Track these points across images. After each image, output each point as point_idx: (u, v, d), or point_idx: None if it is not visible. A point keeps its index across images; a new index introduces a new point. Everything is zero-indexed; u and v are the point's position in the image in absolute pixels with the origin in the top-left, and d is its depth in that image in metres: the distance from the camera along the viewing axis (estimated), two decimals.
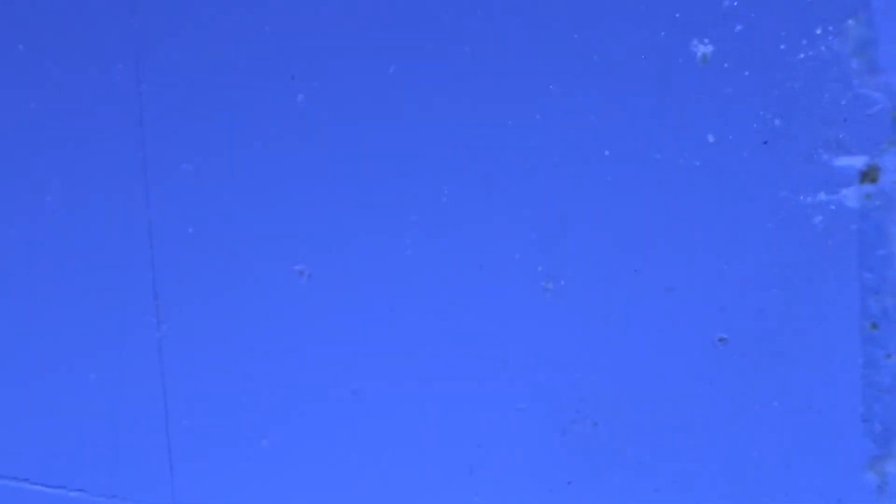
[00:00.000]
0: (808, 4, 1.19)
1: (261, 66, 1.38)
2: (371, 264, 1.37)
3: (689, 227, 1.26)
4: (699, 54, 1.23)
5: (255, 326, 1.42)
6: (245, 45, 1.39)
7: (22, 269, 1.50)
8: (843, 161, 1.20)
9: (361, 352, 1.39)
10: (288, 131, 1.38)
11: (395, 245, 1.36)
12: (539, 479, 1.35)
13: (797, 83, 1.20)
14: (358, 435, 1.41)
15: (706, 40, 1.23)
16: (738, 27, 1.21)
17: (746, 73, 1.22)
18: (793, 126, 1.21)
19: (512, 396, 1.34)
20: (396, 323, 1.37)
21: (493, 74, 1.30)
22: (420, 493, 1.40)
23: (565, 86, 1.28)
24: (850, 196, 1.20)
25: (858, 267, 1.21)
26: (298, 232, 1.39)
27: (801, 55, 1.20)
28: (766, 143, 1.22)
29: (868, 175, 1.19)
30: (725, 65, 1.22)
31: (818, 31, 1.19)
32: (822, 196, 1.21)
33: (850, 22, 1.18)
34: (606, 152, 1.27)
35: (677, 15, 1.23)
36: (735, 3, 1.21)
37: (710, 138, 1.24)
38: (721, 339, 1.27)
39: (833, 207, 1.21)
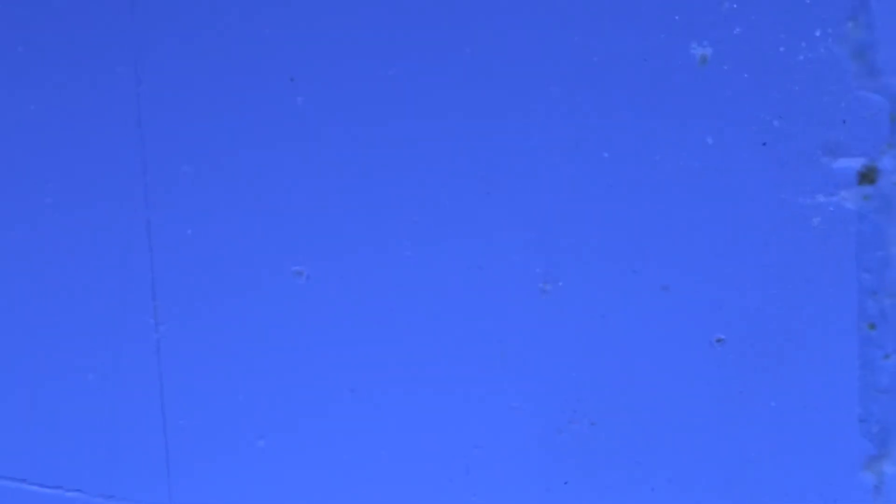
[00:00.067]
0: (808, 7, 1.19)
1: (260, 67, 1.38)
2: (369, 265, 1.37)
3: (688, 229, 1.26)
4: (698, 56, 1.23)
5: (253, 327, 1.42)
6: (244, 46, 1.39)
7: (21, 269, 1.50)
8: (841, 163, 1.20)
9: (359, 352, 1.39)
10: (287, 133, 1.38)
11: (394, 246, 1.36)
12: (536, 479, 1.35)
13: (796, 85, 1.20)
14: (355, 435, 1.41)
15: (705, 42, 1.23)
16: (738, 29, 1.22)
17: (745, 75, 1.22)
18: (792, 128, 1.21)
19: (509, 396, 1.35)
20: (395, 324, 1.37)
21: (492, 76, 1.30)
22: (417, 492, 1.40)
23: (565, 87, 1.28)
24: (849, 198, 1.21)
25: (857, 268, 1.21)
26: (296, 233, 1.39)
27: (801, 57, 1.20)
28: (764, 144, 1.22)
29: (866, 177, 1.20)
30: (724, 67, 1.22)
31: (817, 34, 1.19)
32: (821, 197, 1.21)
33: (850, 24, 1.18)
34: (605, 154, 1.28)
35: (676, 17, 1.23)
36: (734, 6, 1.21)
37: (709, 140, 1.24)
38: (719, 340, 1.27)
39: (831, 209, 1.21)
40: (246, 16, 1.38)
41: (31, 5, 1.46)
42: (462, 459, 1.37)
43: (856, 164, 1.20)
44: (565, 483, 1.34)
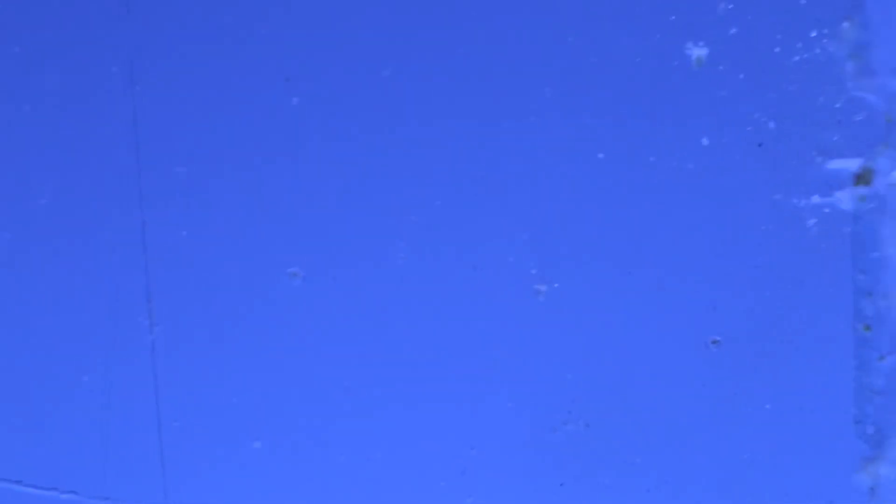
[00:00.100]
0: (803, 7, 1.19)
1: (255, 68, 1.38)
2: (364, 267, 1.37)
3: (683, 230, 1.26)
4: (694, 57, 1.23)
5: (248, 329, 1.42)
6: (239, 47, 1.38)
7: (15, 270, 1.50)
8: (837, 164, 1.20)
9: (354, 354, 1.39)
10: (282, 133, 1.38)
11: (389, 247, 1.36)
12: (531, 481, 1.35)
13: (792, 86, 1.21)
14: (351, 437, 1.41)
15: (701, 43, 1.23)
16: (733, 30, 1.22)
17: (741, 76, 1.22)
18: (787, 129, 1.21)
19: (504, 397, 1.35)
20: (390, 325, 1.37)
21: (487, 77, 1.30)
22: (413, 494, 1.40)
23: (560, 88, 1.28)
24: (844, 198, 1.21)
25: (852, 269, 1.22)
26: (292, 234, 1.39)
27: (796, 58, 1.20)
28: (760, 145, 1.22)
29: (862, 178, 1.20)
30: (720, 67, 1.23)
31: (813, 34, 1.19)
32: (816, 198, 1.22)
33: (845, 25, 1.18)
34: (600, 155, 1.28)
35: (672, 18, 1.23)
36: (730, 6, 1.21)
37: (705, 141, 1.24)
38: (714, 341, 1.27)
39: (827, 210, 1.21)
40: (241, 16, 1.38)
41: (25, 6, 1.46)
42: (457, 461, 1.37)
43: (851, 164, 1.20)
44: (561, 484, 1.34)
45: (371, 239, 1.37)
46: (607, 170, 1.28)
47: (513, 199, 1.31)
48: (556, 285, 1.31)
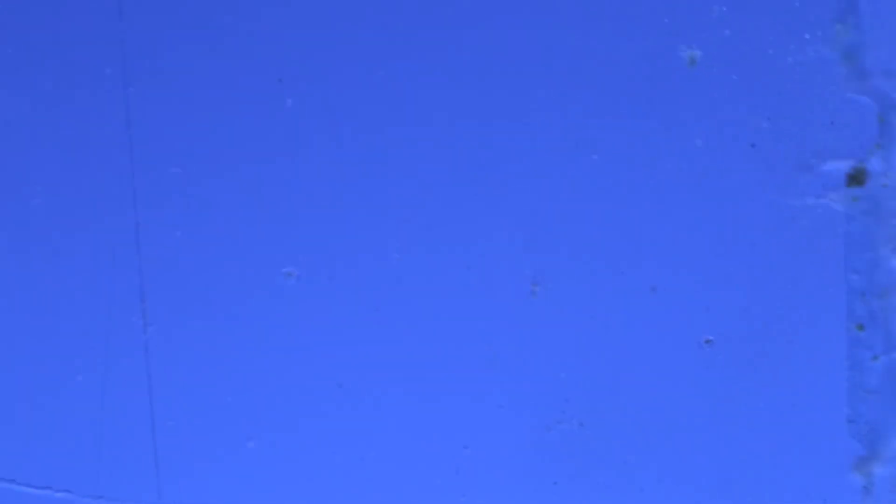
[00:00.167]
0: (796, 9, 1.19)
1: (248, 68, 1.38)
2: (359, 266, 1.37)
3: (677, 230, 1.26)
4: (687, 58, 1.23)
5: (243, 329, 1.42)
6: (233, 47, 1.38)
7: (7, 270, 1.50)
8: (830, 164, 1.21)
9: (349, 354, 1.39)
10: (276, 134, 1.38)
11: (383, 246, 1.36)
12: (525, 480, 1.35)
13: (785, 87, 1.21)
14: (345, 436, 1.41)
15: (694, 44, 1.23)
16: (726, 31, 1.22)
17: (734, 78, 1.22)
18: (780, 130, 1.21)
19: (498, 396, 1.35)
20: (385, 325, 1.37)
21: (481, 77, 1.30)
22: (406, 493, 1.40)
23: (553, 89, 1.28)
24: (838, 199, 1.21)
25: (845, 269, 1.22)
26: (286, 234, 1.39)
27: (789, 59, 1.20)
28: (753, 146, 1.22)
29: (855, 178, 1.20)
30: (713, 69, 1.23)
31: (806, 36, 1.19)
32: (810, 199, 1.22)
33: (838, 26, 1.18)
34: (594, 156, 1.28)
35: (665, 19, 1.23)
36: (723, 8, 1.21)
37: (698, 142, 1.24)
38: (707, 341, 1.27)
39: (820, 210, 1.21)
40: (234, 17, 1.38)
41: (18, 6, 1.45)
42: (451, 460, 1.37)
43: (844, 165, 1.20)
44: (554, 483, 1.34)
45: (365, 238, 1.37)
46: (601, 170, 1.28)
47: (507, 198, 1.31)
48: (549, 285, 1.31)
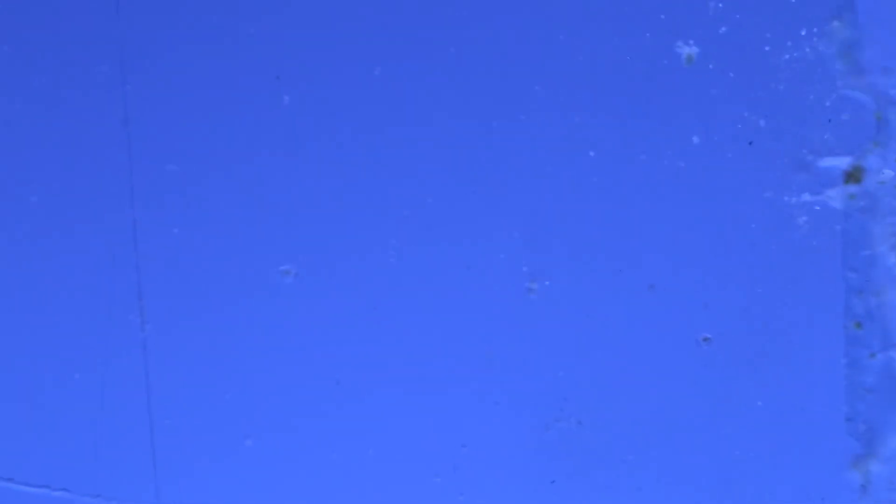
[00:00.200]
0: (793, 6, 1.19)
1: (246, 66, 1.38)
2: (356, 264, 1.37)
3: (674, 228, 1.26)
4: (684, 55, 1.23)
5: (240, 327, 1.42)
6: (230, 45, 1.38)
7: (5, 268, 1.50)
8: (827, 162, 1.20)
9: (347, 352, 1.39)
10: (273, 131, 1.38)
11: (381, 245, 1.36)
12: (523, 478, 1.35)
13: (782, 84, 1.21)
14: (343, 435, 1.41)
15: (691, 41, 1.23)
16: (723, 28, 1.22)
17: (731, 75, 1.22)
18: (777, 127, 1.21)
19: (496, 395, 1.35)
20: (382, 324, 1.37)
21: (478, 75, 1.30)
22: (405, 491, 1.40)
23: (550, 87, 1.28)
24: (835, 197, 1.21)
25: (842, 267, 1.22)
26: (284, 232, 1.39)
27: (786, 56, 1.20)
28: (750, 143, 1.22)
29: (852, 176, 1.20)
30: (710, 66, 1.23)
31: (803, 33, 1.19)
32: (807, 197, 1.22)
33: (835, 23, 1.18)
34: (591, 153, 1.27)
35: (662, 16, 1.23)
36: (720, 5, 1.21)
37: (695, 139, 1.24)
38: (705, 339, 1.27)
39: (817, 208, 1.21)
40: (232, 14, 1.38)
41: (16, 5, 1.46)
42: (449, 458, 1.37)
43: (841, 163, 1.20)
44: (552, 482, 1.34)
45: (363, 237, 1.37)
46: (598, 168, 1.28)
47: (504, 197, 1.31)
48: (547, 283, 1.31)
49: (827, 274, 1.22)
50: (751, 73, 1.21)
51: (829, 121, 1.19)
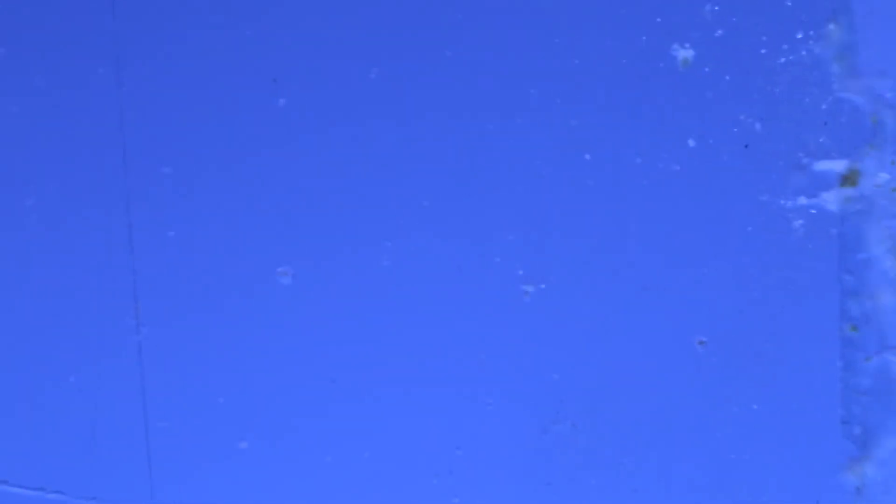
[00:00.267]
0: (789, 9, 1.19)
1: (242, 69, 1.38)
2: (352, 267, 1.37)
3: (670, 231, 1.26)
4: (680, 58, 1.23)
5: (236, 329, 1.42)
6: (226, 47, 1.38)
7: (1, 271, 1.50)
8: (823, 165, 1.21)
9: (343, 354, 1.39)
10: (269, 134, 1.38)
11: (376, 248, 1.36)
12: (519, 481, 1.35)
13: (778, 87, 1.21)
14: (338, 437, 1.41)
15: (687, 44, 1.23)
16: (719, 31, 1.22)
17: (727, 78, 1.22)
18: (773, 130, 1.21)
19: (491, 398, 1.34)
20: (378, 326, 1.37)
21: (473, 78, 1.30)
22: (400, 494, 1.40)
23: (546, 89, 1.28)
24: (831, 200, 1.21)
25: (838, 270, 1.22)
26: (280, 234, 1.39)
27: (782, 59, 1.20)
28: (746, 146, 1.22)
29: (848, 179, 1.20)
30: (706, 69, 1.23)
31: (799, 36, 1.19)
32: (803, 200, 1.22)
33: (831, 26, 1.18)
34: (587, 156, 1.27)
35: (658, 19, 1.23)
36: (716, 8, 1.21)
37: (691, 142, 1.24)
38: (701, 342, 1.27)
39: (813, 211, 1.21)
40: (228, 17, 1.38)
41: (11, 6, 1.45)
42: (445, 461, 1.37)
43: (837, 166, 1.20)
44: (548, 484, 1.34)
45: (359, 239, 1.37)
46: (594, 171, 1.27)
47: (499, 199, 1.31)
48: (542, 286, 1.31)
49: (823, 277, 1.23)
50: (747, 76, 1.21)
51: (826, 124, 1.20)
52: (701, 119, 1.23)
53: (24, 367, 1.52)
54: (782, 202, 1.22)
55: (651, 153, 1.25)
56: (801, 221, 1.22)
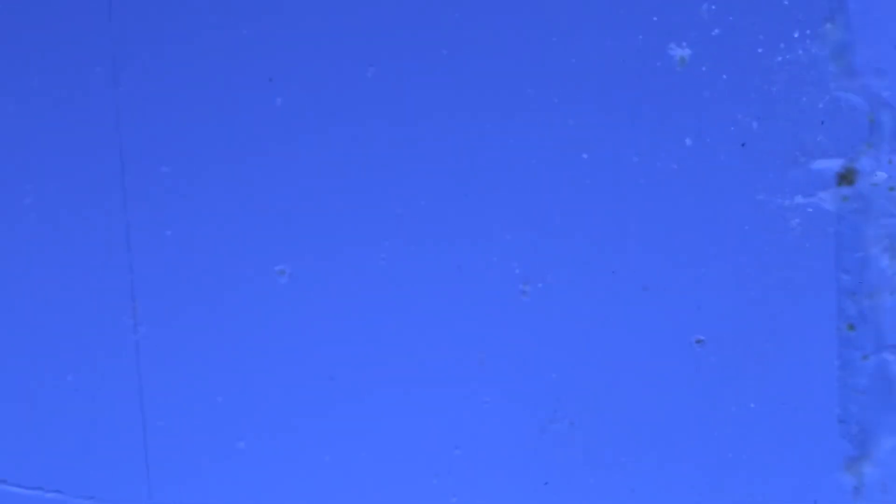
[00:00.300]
0: (786, 8, 1.19)
1: (239, 68, 1.38)
2: (350, 265, 1.37)
3: (667, 230, 1.26)
4: (677, 57, 1.23)
5: (234, 328, 1.42)
6: (223, 47, 1.38)
7: None
8: (820, 164, 1.20)
9: (340, 353, 1.39)
10: (266, 133, 1.38)
11: (374, 246, 1.36)
12: (516, 480, 1.35)
13: (775, 86, 1.21)
14: (335, 437, 1.41)
15: (684, 43, 1.23)
16: (716, 30, 1.22)
17: (724, 77, 1.22)
18: (770, 129, 1.21)
19: (489, 397, 1.34)
20: (376, 325, 1.37)
21: (470, 77, 1.30)
22: (397, 493, 1.40)
23: (543, 89, 1.28)
24: (828, 199, 1.21)
25: (835, 269, 1.22)
26: (278, 233, 1.39)
27: (779, 58, 1.20)
28: (743, 145, 1.22)
29: (845, 178, 1.20)
30: (703, 68, 1.22)
31: (796, 35, 1.19)
32: (800, 199, 1.22)
33: (828, 25, 1.18)
34: (584, 155, 1.27)
35: (655, 18, 1.23)
36: (713, 7, 1.21)
37: (688, 141, 1.24)
38: (698, 341, 1.27)
39: (810, 210, 1.21)
40: (224, 16, 1.38)
41: (7, 6, 1.45)
42: (443, 460, 1.37)
43: (834, 165, 1.20)
44: (545, 483, 1.34)
45: (356, 238, 1.37)
46: (591, 170, 1.27)
47: (497, 198, 1.31)
48: (540, 285, 1.31)
49: (820, 276, 1.22)
50: (744, 75, 1.21)
51: (822, 123, 1.20)
52: (698, 118, 1.23)
53: (22, 366, 1.52)
54: (779, 201, 1.22)
55: (648, 152, 1.25)
56: (798, 220, 1.22)
